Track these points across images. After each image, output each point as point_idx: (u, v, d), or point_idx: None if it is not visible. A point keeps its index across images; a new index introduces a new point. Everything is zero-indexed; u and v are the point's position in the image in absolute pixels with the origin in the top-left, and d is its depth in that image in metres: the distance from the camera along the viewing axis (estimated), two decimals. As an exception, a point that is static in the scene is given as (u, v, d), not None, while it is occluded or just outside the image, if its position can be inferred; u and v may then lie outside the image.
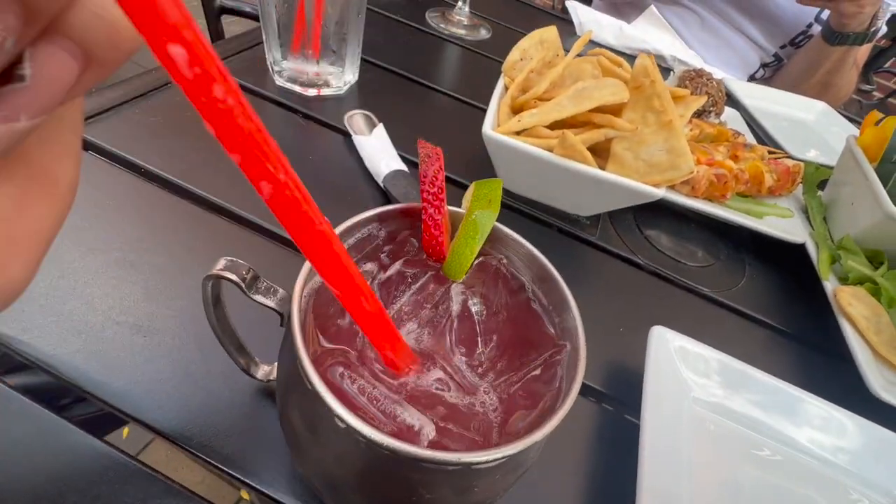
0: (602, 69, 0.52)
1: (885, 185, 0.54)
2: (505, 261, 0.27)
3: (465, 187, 0.57)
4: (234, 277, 0.22)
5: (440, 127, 0.66)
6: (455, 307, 0.24)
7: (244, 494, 1.02)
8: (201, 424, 0.31)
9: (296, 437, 0.22)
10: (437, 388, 0.21)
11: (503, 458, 0.18)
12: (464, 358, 0.22)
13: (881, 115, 0.60)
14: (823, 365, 0.51)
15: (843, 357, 0.48)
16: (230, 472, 0.30)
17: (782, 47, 1.13)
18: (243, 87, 0.60)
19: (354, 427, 0.17)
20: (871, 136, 0.60)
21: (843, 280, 0.55)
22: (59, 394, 0.35)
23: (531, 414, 0.21)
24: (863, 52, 1.08)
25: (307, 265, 0.22)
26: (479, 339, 0.24)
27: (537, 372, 0.23)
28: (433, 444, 0.19)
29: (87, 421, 0.32)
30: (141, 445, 0.88)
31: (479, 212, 0.25)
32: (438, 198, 0.24)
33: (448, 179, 0.58)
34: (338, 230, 0.24)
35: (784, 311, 0.55)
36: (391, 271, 0.25)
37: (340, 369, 0.20)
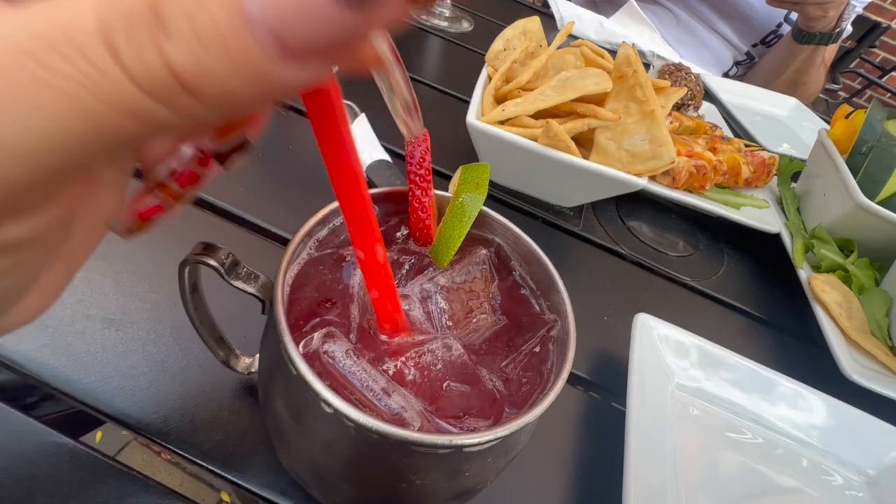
0: (585, 59, 0.52)
1: (855, 176, 0.56)
2: (495, 244, 0.27)
3: (448, 178, 0.57)
4: (212, 262, 0.21)
5: (423, 118, 0.66)
6: (442, 292, 0.23)
7: (224, 497, 1.00)
8: (179, 420, 0.30)
9: (280, 427, 0.21)
10: (430, 368, 0.20)
11: (495, 440, 0.17)
12: (456, 340, 0.22)
13: (851, 109, 0.62)
14: (799, 350, 0.52)
15: (816, 342, 0.50)
16: (210, 467, 0.29)
17: (754, 46, 1.16)
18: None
19: (342, 412, 0.16)
20: (842, 129, 0.62)
21: (816, 268, 0.56)
22: (24, 391, 0.33)
23: (523, 395, 0.20)
24: (830, 52, 1.12)
25: (290, 247, 0.21)
26: (469, 321, 0.23)
27: (531, 350, 0.23)
28: (424, 428, 0.19)
29: (57, 420, 0.31)
30: (116, 449, 0.84)
31: (466, 195, 0.25)
32: (426, 180, 0.23)
33: (436, 173, 0.57)
34: (321, 213, 0.24)
35: (761, 298, 0.57)
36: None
37: (327, 351, 0.19)
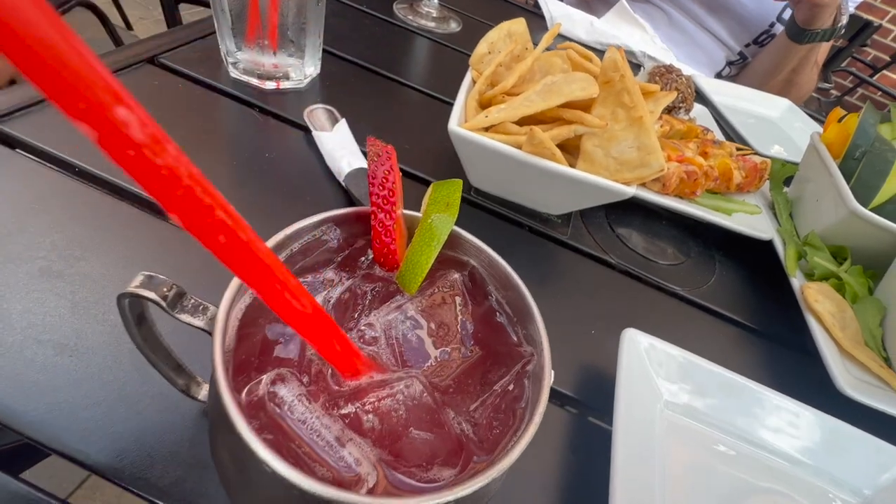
0: (571, 63, 0.50)
1: (848, 182, 0.54)
2: (469, 267, 0.25)
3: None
4: (152, 296, 0.19)
5: (407, 123, 0.64)
6: (407, 323, 0.22)
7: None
8: (135, 454, 0.28)
9: (226, 475, 0.19)
10: (391, 414, 0.19)
11: (456, 501, 0.16)
12: (421, 380, 0.20)
13: (844, 113, 0.61)
14: (792, 361, 0.51)
15: (810, 353, 0.48)
16: (168, 506, 0.27)
17: (747, 46, 1.15)
18: (194, 80, 0.56)
19: (283, 475, 0.14)
20: (835, 133, 0.60)
21: (809, 276, 0.55)
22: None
23: (494, 440, 0.19)
24: (823, 51, 1.11)
25: (235, 280, 0.19)
26: (438, 355, 0.22)
27: (505, 389, 0.21)
28: (380, 486, 0.17)
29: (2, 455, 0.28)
30: (73, 485, 0.77)
31: (435, 216, 0.23)
32: (389, 201, 0.21)
33: (416, 178, 0.55)
34: (277, 238, 0.22)
35: (753, 308, 0.55)
36: (341, 284, 0.22)
37: (275, 396, 0.18)
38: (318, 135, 0.52)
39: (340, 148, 0.50)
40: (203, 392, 0.29)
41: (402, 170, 0.55)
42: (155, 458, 0.28)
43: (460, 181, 0.25)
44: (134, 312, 0.21)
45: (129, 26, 1.56)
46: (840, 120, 0.61)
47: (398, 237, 0.23)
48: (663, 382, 0.40)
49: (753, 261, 0.61)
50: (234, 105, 0.56)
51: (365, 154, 0.53)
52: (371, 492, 0.16)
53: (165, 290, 0.20)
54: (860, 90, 3.11)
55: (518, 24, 0.54)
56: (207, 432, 0.30)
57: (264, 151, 0.52)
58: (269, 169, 0.49)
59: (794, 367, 0.50)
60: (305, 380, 0.19)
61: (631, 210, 0.61)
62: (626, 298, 0.51)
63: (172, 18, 0.94)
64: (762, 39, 1.13)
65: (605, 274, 0.53)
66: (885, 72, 2.92)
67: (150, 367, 0.31)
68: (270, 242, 0.22)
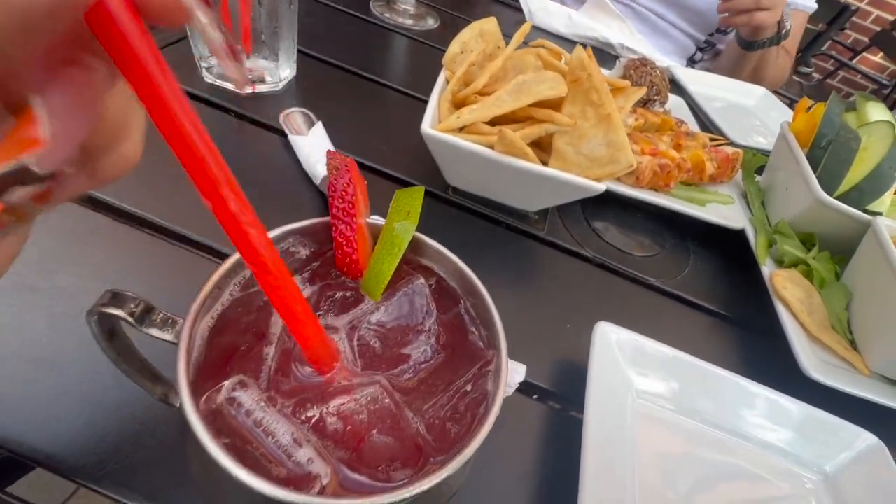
0: (542, 62, 0.51)
1: (815, 171, 0.56)
2: (436, 273, 0.26)
3: (411, 185, 0.55)
4: (119, 313, 0.20)
5: (385, 123, 0.64)
6: (371, 328, 0.22)
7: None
8: (117, 461, 0.29)
9: (199, 477, 0.20)
10: (351, 417, 0.19)
11: (409, 498, 0.17)
12: (383, 384, 0.21)
13: (811, 102, 0.62)
14: (763, 348, 0.53)
15: (780, 338, 0.50)
16: (151, 511, 0.28)
17: (711, 35, 1.16)
18: (168, 86, 0.56)
19: (239, 478, 0.15)
20: (803, 122, 0.62)
21: (780, 263, 0.57)
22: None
23: (452, 441, 0.20)
24: (793, 41, 1.13)
25: (201, 294, 0.20)
26: (401, 359, 0.23)
27: (464, 391, 0.22)
28: (333, 485, 0.18)
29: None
30: (64, 496, 0.76)
31: (397, 224, 0.24)
32: (350, 213, 0.22)
33: (395, 180, 0.56)
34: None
35: (726, 296, 0.57)
36: (306, 292, 0.23)
37: (235, 401, 0.18)
38: (293, 139, 0.52)
39: (316, 151, 0.51)
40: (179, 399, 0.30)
41: (379, 171, 0.56)
42: (136, 464, 0.29)
43: (422, 189, 0.26)
44: (104, 328, 0.22)
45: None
46: (808, 109, 0.62)
47: (361, 246, 0.23)
48: (634, 373, 0.41)
49: (727, 250, 0.62)
50: (209, 111, 0.56)
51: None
52: (322, 492, 0.17)
53: (133, 306, 0.20)
54: (841, 73, 3.15)
55: (489, 23, 0.54)
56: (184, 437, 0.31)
57: (240, 157, 0.52)
58: (245, 175, 0.49)
59: (765, 353, 0.52)
60: (266, 385, 0.20)
61: (607, 204, 0.62)
62: (602, 291, 0.53)
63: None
64: (726, 29, 1.14)
65: (581, 268, 0.54)
66: (865, 54, 2.96)
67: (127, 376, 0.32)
68: (236, 255, 0.22)
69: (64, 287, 0.35)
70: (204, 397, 0.19)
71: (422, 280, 0.25)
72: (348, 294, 0.24)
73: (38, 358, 0.32)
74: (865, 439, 0.40)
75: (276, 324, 0.22)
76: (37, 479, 0.34)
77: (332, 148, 0.53)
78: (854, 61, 2.93)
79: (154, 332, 0.21)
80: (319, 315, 0.23)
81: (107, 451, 0.29)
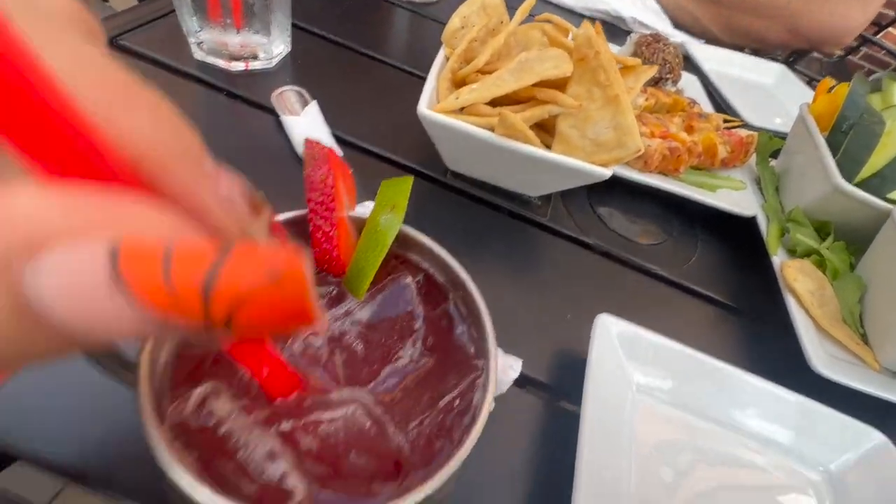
0: (548, 38, 0.48)
1: (834, 156, 0.53)
2: (424, 269, 0.25)
3: (409, 170, 0.53)
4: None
5: (383, 102, 0.62)
6: (353, 330, 0.21)
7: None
8: (99, 457, 0.28)
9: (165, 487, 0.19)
10: (327, 433, 0.18)
11: (386, 518, 0.15)
12: (360, 395, 0.20)
13: (833, 82, 0.59)
14: (771, 340, 0.51)
15: (789, 331, 0.48)
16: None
17: None
18: (158, 63, 0.54)
19: (199, 501, 0.14)
20: (824, 104, 0.58)
21: (792, 252, 0.54)
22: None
23: (434, 456, 0.19)
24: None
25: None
26: (384, 364, 0.21)
27: (450, 406, 0.21)
28: (317, 500, 0.17)
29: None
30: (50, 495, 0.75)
31: (381, 218, 0.22)
32: (329, 208, 0.21)
33: (392, 164, 0.54)
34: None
35: (734, 287, 0.55)
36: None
37: (203, 414, 0.17)
38: (286, 119, 0.50)
39: (310, 132, 0.49)
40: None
41: (376, 154, 0.54)
42: (119, 459, 0.28)
43: (410, 179, 0.24)
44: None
45: (102, -2, 1.50)
46: (830, 90, 0.59)
47: (342, 241, 0.22)
48: (635, 367, 0.40)
49: (736, 238, 0.60)
50: (199, 90, 0.53)
51: (336, 138, 0.52)
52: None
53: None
54: (864, 49, 3.02)
55: (492, -4, 0.51)
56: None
57: (232, 138, 0.50)
58: (236, 156, 0.47)
59: (772, 346, 0.50)
60: (240, 393, 0.18)
61: (613, 189, 0.60)
62: (605, 281, 0.51)
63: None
64: None
65: (584, 257, 0.52)
66: (890, 29, 2.82)
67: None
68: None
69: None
70: (172, 406, 0.18)
71: (409, 277, 0.24)
72: (330, 290, 0.23)
73: (19, 349, 0.31)
74: (873, 438, 0.39)
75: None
76: (22, 472, 0.34)
77: (326, 129, 0.51)
78: (879, 36, 2.80)
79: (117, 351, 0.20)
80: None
81: (92, 446, 0.29)
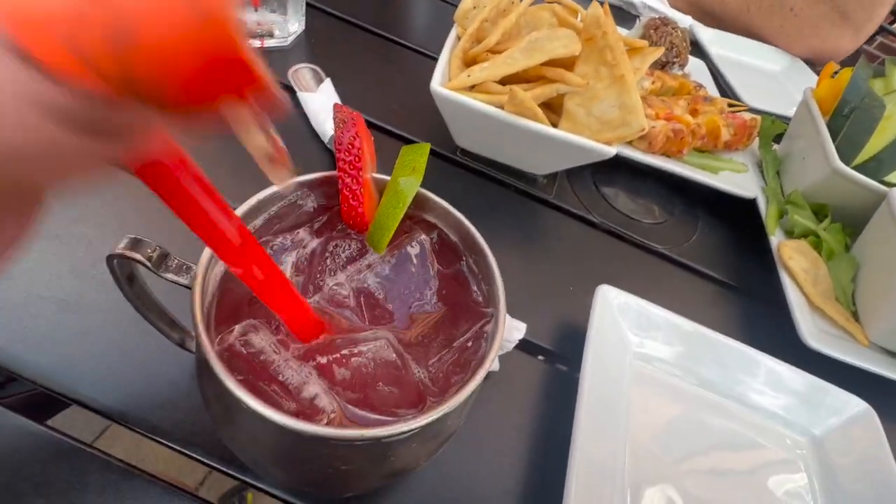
0: (557, 18, 0.49)
1: (834, 140, 0.54)
2: (438, 228, 0.27)
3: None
4: (138, 257, 0.21)
5: (395, 81, 0.63)
6: (376, 281, 0.23)
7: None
8: (139, 400, 0.31)
9: (214, 414, 0.21)
10: (357, 367, 0.21)
11: (413, 430, 0.18)
12: (385, 334, 0.22)
13: (837, 67, 0.59)
14: (766, 316, 0.53)
15: (783, 308, 0.50)
16: (172, 446, 0.30)
17: None
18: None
19: (254, 409, 0.17)
20: (827, 88, 0.60)
21: (790, 233, 0.56)
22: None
23: (450, 387, 0.21)
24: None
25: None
26: (402, 310, 0.24)
27: (464, 346, 0.23)
28: (348, 417, 0.19)
29: (20, 403, 0.31)
30: (96, 433, 0.83)
31: (402, 179, 0.24)
32: (356, 167, 0.23)
33: (403, 140, 0.56)
34: (252, 201, 0.23)
35: (732, 265, 0.57)
36: (312, 244, 0.24)
37: (246, 342, 0.20)
38: (302, 95, 0.52)
39: (326, 108, 0.51)
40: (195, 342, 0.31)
41: (387, 131, 0.56)
42: (156, 403, 0.31)
43: (427, 145, 0.26)
44: (123, 273, 0.23)
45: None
46: (834, 74, 0.60)
47: (367, 200, 0.24)
48: (633, 335, 0.42)
49: (736, 219, 0.62)
50: (218, 65, 0.55)
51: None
52: (329, 423, 0.18)
53: (150, 251, 0.21)
54: (879, 38, 2.97)
55: (504, -23, 0.52)
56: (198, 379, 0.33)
57: (250, 113, 0.52)
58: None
59: (767, 322, 0.52)
60: (276, 330, 0.21)
61: (617, 169, 0.61)
62: (608, 256, 0.53)
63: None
64: None
65: (588, 233, 0.54)
66: (905, 18, 2.77)
67: (147, 323, 0.34)
68: (245, 206, 0.23)
69: (83, 235, 0.37)
70: (218, 338, 0.20)
71: (424, 234, 0.26)
72: (354, 246, 0.25)
73: (61, 301, 0.33)
74: (855, 405, 0.41)
75: (286, 273, 0.23)
76: (71, 415, 0.37)
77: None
78: (894, 25, 2.76)
79: (170, 276, 0.22)
80: (326, 268, 0.24)
81: (130, 390, 0.31)
